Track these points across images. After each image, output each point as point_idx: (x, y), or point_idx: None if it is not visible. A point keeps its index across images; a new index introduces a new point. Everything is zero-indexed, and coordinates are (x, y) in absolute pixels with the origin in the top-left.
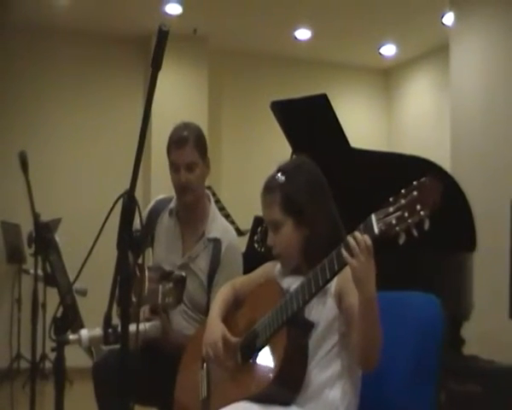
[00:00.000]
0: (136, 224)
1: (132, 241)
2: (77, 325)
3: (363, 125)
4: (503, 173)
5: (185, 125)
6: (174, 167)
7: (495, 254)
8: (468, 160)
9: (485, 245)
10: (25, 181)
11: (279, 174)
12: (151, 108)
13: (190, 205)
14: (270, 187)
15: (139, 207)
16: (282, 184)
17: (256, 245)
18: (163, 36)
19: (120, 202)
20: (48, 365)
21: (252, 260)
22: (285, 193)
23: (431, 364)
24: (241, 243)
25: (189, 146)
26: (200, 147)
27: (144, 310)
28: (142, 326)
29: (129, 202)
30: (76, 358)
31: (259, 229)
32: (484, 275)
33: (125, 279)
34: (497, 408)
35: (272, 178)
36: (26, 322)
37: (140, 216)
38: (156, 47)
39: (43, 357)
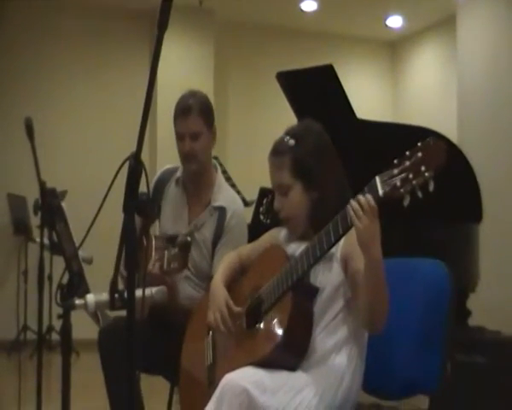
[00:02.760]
0: (142, 188)
1: (138, 203)
2: (83, 290)
3: (368, 97)
4: (509, 144)
5: (191, 94)
6: (179, 136)
7: (501, 226)
8: (474, 132)
9: (491, 216)
10: (30, 149)
11: (288, 137)
12: (157, 69)
13: (196, 174)
14: (279, 150)
15: (145, 170)
16: (291, 147)
17: (261, 217)
18: None
19: (126, 168)
20: (54, 336)
21: (257, 231)
22: (295, 156)
23: (438, 329)
24: (247, 214)
25: (194, 115)
26: (206, 116)
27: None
28: (148, 291)
29: (135, 164)
30: (82, 329)
31: (265, 201)
32: (490, 246)
33: (131, 242)
34: (503, 379)
35: (281, 142)
36: (32, 294)
37: (146, 178)
38: (162, 7)
39: (50, 329)
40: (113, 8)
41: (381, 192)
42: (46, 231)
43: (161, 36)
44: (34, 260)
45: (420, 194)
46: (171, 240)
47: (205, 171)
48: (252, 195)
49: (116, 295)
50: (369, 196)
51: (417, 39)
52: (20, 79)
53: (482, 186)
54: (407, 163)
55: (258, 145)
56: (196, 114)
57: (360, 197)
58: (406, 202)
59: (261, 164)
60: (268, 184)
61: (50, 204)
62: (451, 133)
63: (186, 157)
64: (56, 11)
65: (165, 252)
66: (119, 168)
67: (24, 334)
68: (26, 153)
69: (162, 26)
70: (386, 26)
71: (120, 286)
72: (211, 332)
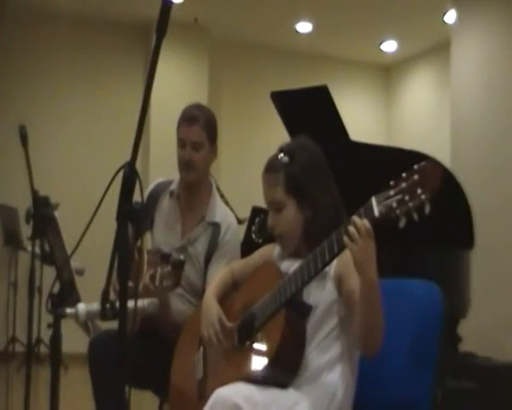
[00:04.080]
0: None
1: (132, 212)
2: (74, 300)
3: (362, 120)
4: (502, 171)
5: (199, 106)
6: (181, 143)
7: (493, 252)
8: (467, 157)
9: (483, 242)
10: (23, 158)
11: (282, 154)
12: (154, 77)
13: (191, 185)
14: (273, 167)
15: (140, 179)
16: (285, 164)
17: (254, 236)
18: (167, 3)
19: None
20: (43, 349)
21: (249, 250)
22: (289, 174)
23: (430, 350)
24: (240, 233)
25: (198, 125)
26: (209, 130)
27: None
28: (140, 303)
29: (130, 173)
30: (71, 343)
31: (257, 219)
32: (481, 272)
33: (124, 251)
34: (493, 405)
35: (275, 158)
36: (21, 306)
37: (141, 187)
38: (161, 13)
39: (39, 341)
40: (108, 21)
41: (376, 213)
42: (37, 241)
43: (159, 42)
44: (24, 272)
45: (416, 216)
46: (164, 258)
47: (200, 184)
48: (244, 213)
49: (107, 306)
50: (364, 220)
51: (411, 64)
52: (14, 88)
53: (475, 212)
54: (403, 185)
55: (250, 163)
56: (201, 127)
57: (356, 219)
58: (402, 223)
59: (254, 182)
60: (260, 202)
61: (43, 212)
62: (444, 158)
63: (185, 165)
64: (51, 22)
65: (158, 269)
66: (114, 176)
67: (12, 346)
68: (18, 164)
69: (161, 32)
70: (381, 50)
71: (112, 297)
72: (202, 347)
